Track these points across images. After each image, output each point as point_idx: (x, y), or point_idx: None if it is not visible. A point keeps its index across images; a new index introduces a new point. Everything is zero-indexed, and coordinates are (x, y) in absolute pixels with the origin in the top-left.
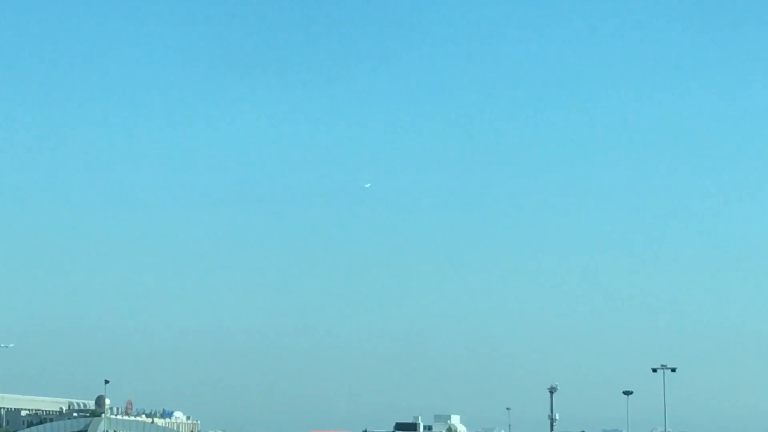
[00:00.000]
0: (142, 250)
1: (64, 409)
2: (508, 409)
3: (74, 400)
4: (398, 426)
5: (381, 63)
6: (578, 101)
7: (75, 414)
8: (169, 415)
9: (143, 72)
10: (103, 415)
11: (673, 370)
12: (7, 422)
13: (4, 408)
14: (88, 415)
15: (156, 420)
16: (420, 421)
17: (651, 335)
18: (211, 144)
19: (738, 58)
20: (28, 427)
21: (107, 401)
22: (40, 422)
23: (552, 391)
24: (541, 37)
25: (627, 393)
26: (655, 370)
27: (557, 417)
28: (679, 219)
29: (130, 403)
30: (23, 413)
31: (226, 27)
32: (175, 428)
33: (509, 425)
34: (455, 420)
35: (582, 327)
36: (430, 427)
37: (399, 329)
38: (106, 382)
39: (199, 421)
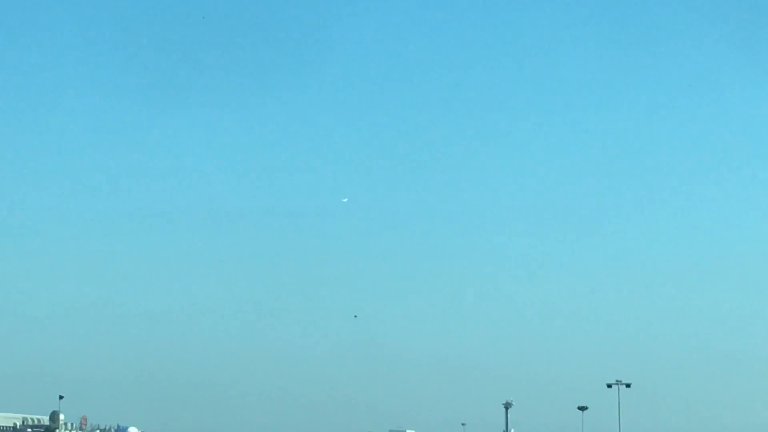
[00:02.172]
0: (97, 267)
1: (18, 424)
2: (463, 424)
3: (29, 416)
4: None
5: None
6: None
7: (29, 430)
8: (124, 430)
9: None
10: (57, 431)
11: (628, 385)
12: None
13: None
14: (42, 430)
15: None
16: None
17: (606, 351)
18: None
19: None
20: None
21: (62, 417)
22: None
23: (507, 406)
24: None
25: (582, 408)
26: (610, 386)
27: None
28: (633, 234)
29: (85, 419)
30: None
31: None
32: None
33: None
34: None
35: (537, 343)
36: None
37: (355, 342)
38: (61, 397)
39: None
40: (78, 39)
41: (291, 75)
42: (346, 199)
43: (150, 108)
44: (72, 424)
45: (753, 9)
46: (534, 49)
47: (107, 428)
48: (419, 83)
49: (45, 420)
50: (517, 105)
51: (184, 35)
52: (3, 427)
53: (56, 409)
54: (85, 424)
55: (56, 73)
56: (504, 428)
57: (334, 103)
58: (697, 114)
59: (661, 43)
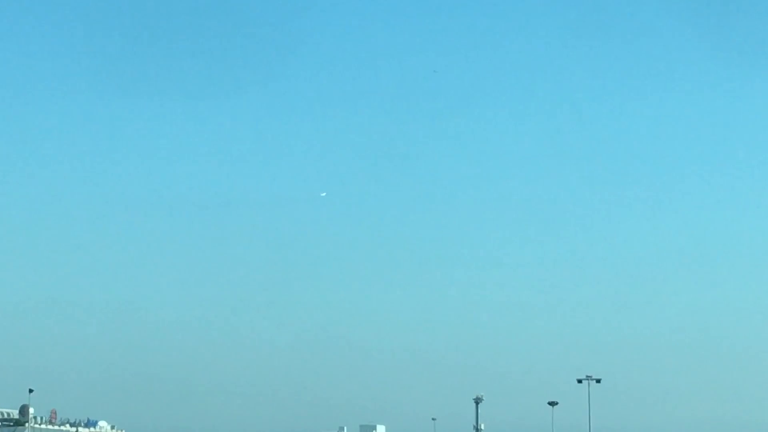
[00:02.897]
0: (68, 258)
1: None
2: (433, 419)
3: None
4: None
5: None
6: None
7: None
8: (94, 424)
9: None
10: (27, 425)
11: (598, 381)
12: None
13: None
14: (11, 424)
15: (80, 429)
16: (345, 431)
17: (576, 347)
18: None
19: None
20: None
21: (31, 410)
22: None
23: (477, 401)
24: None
25: (552, 403)
26: (580, 381)
27: (483, 427)
28: (603, 230)
29: (55, 413)
30: None
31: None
32: None
33: None
34: (381, 430)
35: (508, 338)
36: None
37: (324, 338)
38: (31, 391)
39: (123, 431)
40: (51, 29)
41: (269, 65)
42: (324, 194)
43: (125, 98)
44: (42, 418)
45: (728, 8)
46: (513, 46)
47: (77, 422)
48: (400, 74)
49: (14, 413)
50: (495, 100)
51: (158, 24)
52: None
53: (26, 402)
54: (55, 418)
55: (27, 62)
56: (474, 423)
57: (313, 94)
58: (672, 111)
59: (641, 41)
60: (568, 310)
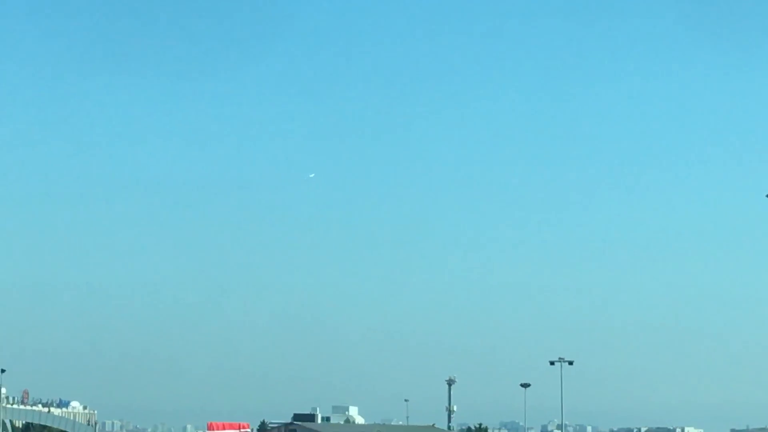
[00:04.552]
0: (37, 240)
1: None
2: (406, 400)
3: None
4: (296, 417)
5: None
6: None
7: None
8: (66, 404)
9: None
10: None
11: (571, 363)
12: None
13: None
14: None
15: (53, 409)
16: (318, 412)
17: (549, 329)
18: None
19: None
20: None
21: (3, 390)
22: None
23: (450, 383)
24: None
25: (525, 385)
26: (552, 363)
27: (455, 409)
28: (575, 214)
29: (27, 393)
30: None
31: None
32: (72, 417)
33: (407, 417)
34: (353, 411)
35: (480, 320)
36: (328, 419)
37: (298, 320)
38: (2, 371)
39: (95, 411)
40: (32, 9)
41: (255, 46)
42: (312, 175)
43: (109, 78)
44: (14, 398)
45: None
46: (497, 30)
47: (49, 402)
48: (385, 59)
49: None
50: (479, 84)
51: (141, 5)
52: None
53: None
54: (27, 398)
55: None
56: (447, 404)
57: (299, 76)
58: (650, 98)
59: (624, 27)
60: (541, 293)
